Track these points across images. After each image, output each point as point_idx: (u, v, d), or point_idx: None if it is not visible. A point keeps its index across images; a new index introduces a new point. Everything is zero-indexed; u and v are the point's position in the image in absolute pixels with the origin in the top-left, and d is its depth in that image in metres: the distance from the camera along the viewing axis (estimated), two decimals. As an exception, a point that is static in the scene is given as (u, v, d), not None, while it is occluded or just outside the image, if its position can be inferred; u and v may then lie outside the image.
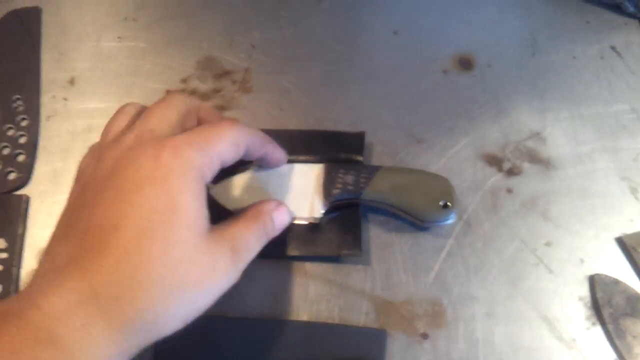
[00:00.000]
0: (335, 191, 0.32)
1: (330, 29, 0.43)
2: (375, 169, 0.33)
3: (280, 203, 0.29)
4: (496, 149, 0.37)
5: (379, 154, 0.37)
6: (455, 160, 0.36)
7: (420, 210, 0.32)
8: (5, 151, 0.37)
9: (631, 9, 0.42)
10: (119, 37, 0.42)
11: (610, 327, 0.30)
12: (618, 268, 0.33)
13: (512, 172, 0.36)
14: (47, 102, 0.39)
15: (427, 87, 0.40)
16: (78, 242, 0.21)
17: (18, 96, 0.39)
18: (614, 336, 0.30)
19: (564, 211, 0.35)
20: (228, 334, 0.31)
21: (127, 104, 0.27)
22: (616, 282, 0.32)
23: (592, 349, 0.30)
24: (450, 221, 0.32)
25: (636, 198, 0.35)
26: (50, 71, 0.41)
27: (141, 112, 0.26)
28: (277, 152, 0.30)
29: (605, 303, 0.31)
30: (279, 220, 0.28)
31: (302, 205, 0.32)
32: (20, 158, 0.37)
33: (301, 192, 0.32)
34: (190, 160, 0.22)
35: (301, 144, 0.35)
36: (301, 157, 0.34)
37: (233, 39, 0.42)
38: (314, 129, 0.37)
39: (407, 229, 0.34)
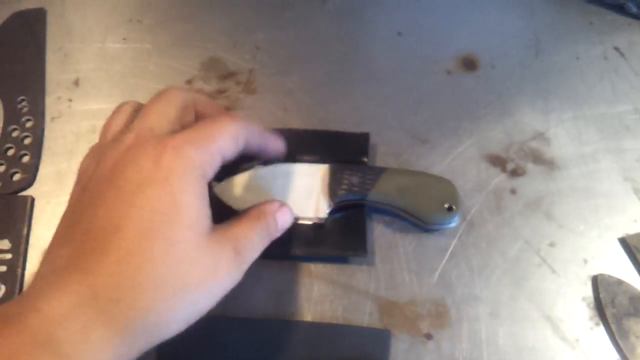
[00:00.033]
0: (341, 192, 0.32)
1: (334, 30, 0.43)
2: (381, 170, 0.33)
3: (283, 203, 0.28)
4: (500, 149, 0.37)
5: (382, 154, 0.37)
6: (459, 161, 0.37)
7: (425, 213, 0.32)
8: (10, 152, 0.37)
9: (634, 9, 0.42)
10: (123, 39, 0.42)
11: (613, 327, 0.30)
12: (621, 268, 0.33)
13: (515, 173, 0.36)
14: (52, 103, 0.40)
15: (431, 87, 0.40)
16: (79, 244, 0.21)
17: (23, 97, 0.39)
18: (617, 336, 0.30)
19: (568, 211, 0.35)
20: (232, 334, 0.31)
21: (123, 103, 0.27)
22: (619, 282, 0.32)
23: (595, 349, 0.30)
24: (453, 224, 0.32)
25: (639, 198, 0.35)
26: (55, 72, 0.41)
27: (138, 109, 0.26)
28: (275, 142, 0.29)
29: (608, 303, 0.31)
30: (282, 221, 0.28)
31: (307, 205, 0.32)
32: (25, 159, 0.37)
33: (306, 192, 0.32)
34: (191, 159, 0.22)
35: (306, 144, 0.35)
36: (305, 157, 0.34)
37: (237, 40, 0.42)
38: (319, 129, 0.37)
39: (411, 230, 0.34)
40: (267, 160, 0.32)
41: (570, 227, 0.34)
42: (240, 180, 0.32)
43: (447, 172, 0.36)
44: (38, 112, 0.39)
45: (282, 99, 0.39)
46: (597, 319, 0.31)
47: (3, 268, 0.33)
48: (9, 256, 0.33)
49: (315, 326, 0.31)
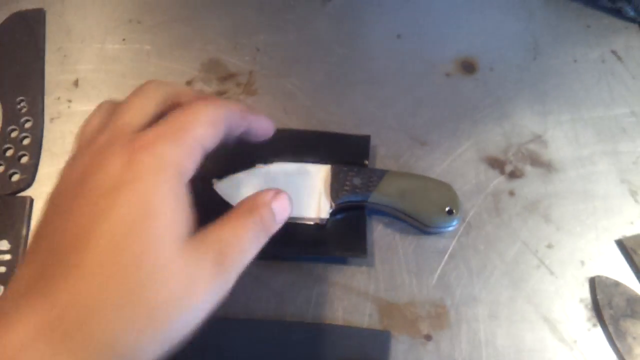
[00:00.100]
0: (343, 193, 0.32)
1: (334, 32, 0.43)
2: (383, 172, 0.33)
3: (279, 191, 0.24)
4: (498, 151, 0.37)
5: (382, 156, 0.37)
6: (458, 163, 0.37)
7: (425, 216, 0.32)
8: (9, 153, 0.37)
9: (631, 13, 0.43)
10: (123, 39, 0.42)
11: (610, 328, 0.31)
12: (618, 270, 0.33)
13: (514, 175, 0.36)
14: (51, 103, 0.39)
15: (430, 90, 0.40)
16: (40, 264, 0.19)
17: (22, 98, 0.39)
18: (615, 337, 0.30)
19: (565, 213, 0.35)
20: (232, 335, 0.31)
21: (104, 101, 0.24)
22: (616, 284, 0.32)
23: (593, 350, 0.31)
24: (452, 227, 0.33)
25: (636, 200, 0.36)
26: (54, 73, 0.41)
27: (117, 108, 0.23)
28: (261, 122, 0.26)
29: (606, 304, 0.31)
30: (280, 211, 0.24)
31: (309, 205, 0.32)
32: (24, 160, 0.37)
33: (308, 192, 0.32)
34: (164, 156, 0.20)
35: (306, 145, 0.35)
36: (306, 158, 0.34)
37: (237, 41, 0.42)
38: (319, 130, 0.38)
39: (411, 231, 0.34)
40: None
41: (568, 229, 0.34)
42: (241, 179, 0.32)
43: (446, 174, 0.36)
44: (37, 113, 0.39)
45: (282, 100, 0.39)
46: (594, 320, 0.32)
47: (2, 269, 0.33)
48: (8, 257, 0.33)
49: (315, 327, 0.31)
